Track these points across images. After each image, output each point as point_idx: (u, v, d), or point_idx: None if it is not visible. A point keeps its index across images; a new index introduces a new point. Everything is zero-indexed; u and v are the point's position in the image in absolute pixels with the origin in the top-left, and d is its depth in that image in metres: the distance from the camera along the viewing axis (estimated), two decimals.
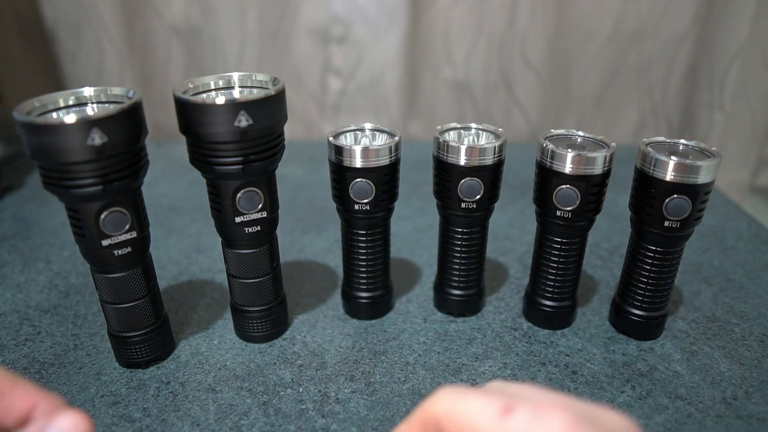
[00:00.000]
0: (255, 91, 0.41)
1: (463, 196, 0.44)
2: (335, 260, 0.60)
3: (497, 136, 0.45)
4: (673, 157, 0.40)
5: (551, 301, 0.48)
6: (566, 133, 0.45)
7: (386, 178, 0.43)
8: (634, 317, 0.47)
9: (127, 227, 0.38)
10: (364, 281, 0.49)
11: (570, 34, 0.93)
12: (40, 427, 0.23)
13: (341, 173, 0.43)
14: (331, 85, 0.96)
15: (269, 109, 0.37)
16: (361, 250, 0.47)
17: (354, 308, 0.50)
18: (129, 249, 0.39)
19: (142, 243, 0.40)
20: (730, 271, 0.58)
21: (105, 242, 0.37)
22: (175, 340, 0.47)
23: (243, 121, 0.36)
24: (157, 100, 0.96)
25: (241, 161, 0.38)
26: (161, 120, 0.97)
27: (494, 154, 0.42)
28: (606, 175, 0.42)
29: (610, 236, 0.65)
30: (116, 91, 0.38)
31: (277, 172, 0.42)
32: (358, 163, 0.42)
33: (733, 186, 0.99)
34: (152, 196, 0.73)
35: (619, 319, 0.48)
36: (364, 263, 0.48)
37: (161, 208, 0.72)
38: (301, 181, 0.80)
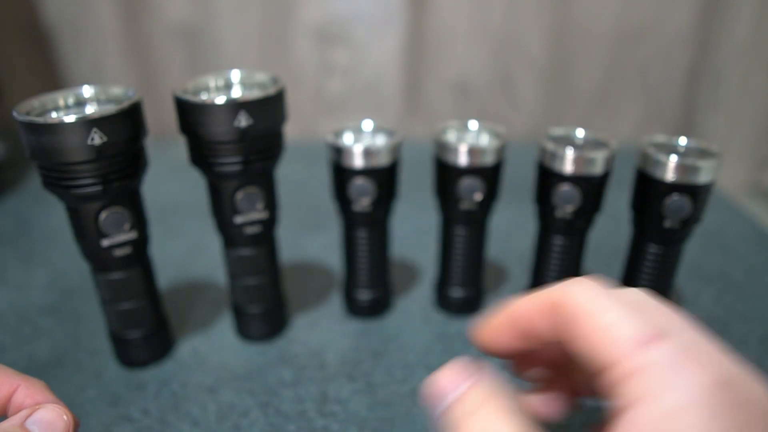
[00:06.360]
0: (255, 91, 0.41)
1: (463, 196, 0.44)
2: (335, 260, 0.59)
3: (497, 136, 0.45)
4: (673, 157, 0.40)
5: None
6: (567, 132, 0.45)
7: (386, 178, 0.43)
8: None
9: (127, 227, 0.38)
10: (364, 281, 0.49)
11: (570, 33, 0.93)
12: (24, 416, 0.24)
13: (341, 173, 0.43)
14: (331, 85, 0.96)
15: (269, 109, 0.37)
16: (361, 250, 0.47)
17: (354, 308, 0.50)
18: (129, 249, 0.39)
19: (142, 243, 0.40)
20: (730, 271, 0.58)
21: (105, 242, 0.37)
22: (175, 340, 0.47)
23: (243, 121, 0.36)
24: (157, 100, 0.96)
25: (240, 161, 0.38)
26: (161, 119, 0.96)
27: (494, 154, 0.42)
28: (606, 174, 0.42)
29: (610, 236, 0.65)
30: (116, 90, 0.38)
31: (277, 172, 0.42)
32: (358, 163, 0.42)
33: (733, 186, 0.99)
34: (152, 196, 0.73)
35: None
36: (364, 263, 0.48)
37: (161, 208, 0.71)
38: (301, 181, 0.80)
